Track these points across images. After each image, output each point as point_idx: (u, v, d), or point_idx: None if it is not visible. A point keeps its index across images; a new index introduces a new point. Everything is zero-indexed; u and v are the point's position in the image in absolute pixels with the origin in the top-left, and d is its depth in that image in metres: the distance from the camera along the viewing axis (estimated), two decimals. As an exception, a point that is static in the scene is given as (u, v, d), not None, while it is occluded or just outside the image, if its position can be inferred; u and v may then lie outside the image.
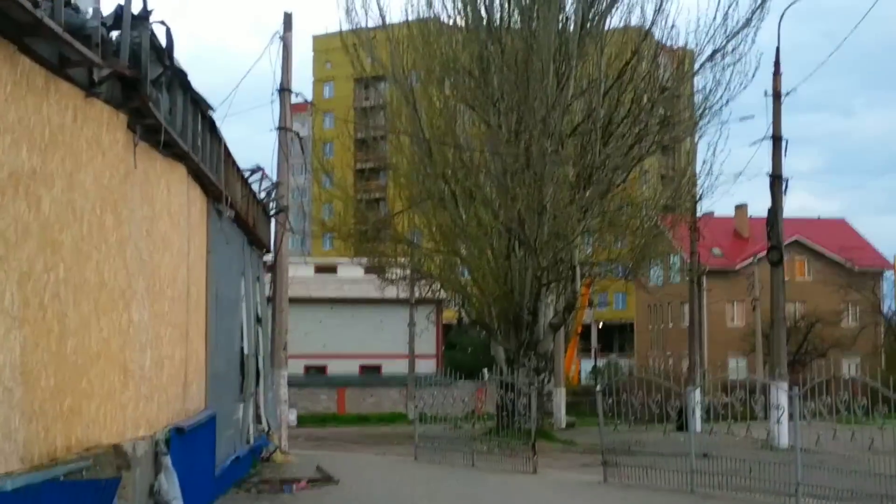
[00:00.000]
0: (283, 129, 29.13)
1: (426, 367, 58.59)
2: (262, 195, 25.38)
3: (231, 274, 21.35)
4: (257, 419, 26.21)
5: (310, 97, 66.38)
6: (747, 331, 69.49)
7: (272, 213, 27.30)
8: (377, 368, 64.07)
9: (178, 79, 13.93)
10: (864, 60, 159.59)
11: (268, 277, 29.80)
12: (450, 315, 68.32)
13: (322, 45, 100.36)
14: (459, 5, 38.77)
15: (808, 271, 75.70)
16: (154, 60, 12.29)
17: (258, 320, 26.30)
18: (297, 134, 29.72)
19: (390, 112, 44.64)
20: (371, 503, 18.81)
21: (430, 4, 38.96)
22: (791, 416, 21.70)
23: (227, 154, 18.91)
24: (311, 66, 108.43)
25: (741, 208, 77.47)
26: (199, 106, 15.63)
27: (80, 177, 10.98)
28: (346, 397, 59.65)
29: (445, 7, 39.00)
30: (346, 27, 41.46)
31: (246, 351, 23.02)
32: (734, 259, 74.24)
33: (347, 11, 40.22)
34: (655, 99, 37.74)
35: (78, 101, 10.91)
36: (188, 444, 15.23)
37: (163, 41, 12.66)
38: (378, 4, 46.67)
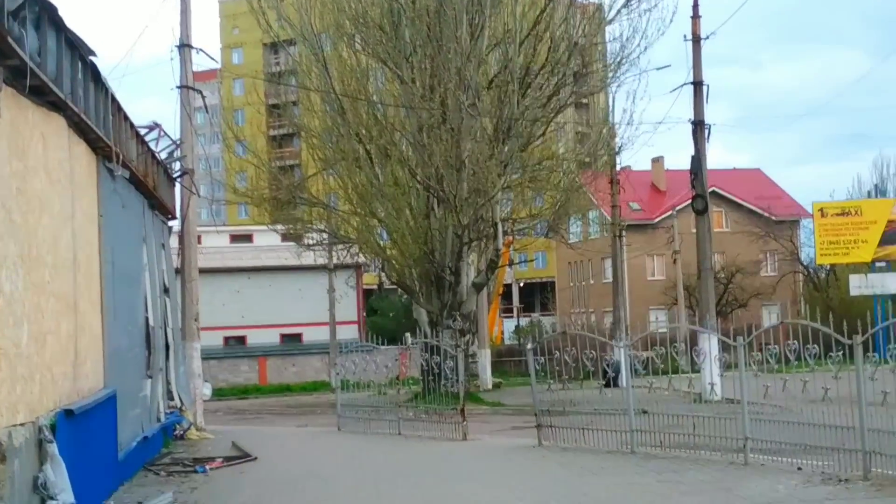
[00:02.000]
0: (185, 87, 27.30)
1: (348, 333, 57.62)
2: (164, 156, 23.48)
3: (130, 240, 19.54)
4: (168, 395, 24.50)
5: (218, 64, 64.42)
6: (668, 284, 68.86)
7: (175, 175, 25.45)
8: (298, 337, 62.41)
9: (48, 14, 12.11)
10: (771, 15, 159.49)
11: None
12: (370, 280, 67.12)
13: (229, 10, 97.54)
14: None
15: (726, 222, 74.86)
16: (11, -13, 10.49)
17: (165, 291, 24.50)
18: (201, 93, 27.73)
19: (301, 73, 42.66)
20: (290, 480, 17.12)
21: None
22: (722, 367, 20.85)
23: (118, 108, 17.07)
24: (218, 32, 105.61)
25: (658, 161, 76.73)
26: (79, 50, 13.80)
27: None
28: (267, 367, 58.21)
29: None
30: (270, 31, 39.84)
31: (151, 323, 21.24)
32: (653, 213, 73.57)
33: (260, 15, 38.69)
34: (572, 49, 36.30)
35: None
36: (83, 427, 13.51)
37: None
38: None
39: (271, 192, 45.63)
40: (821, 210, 58.42)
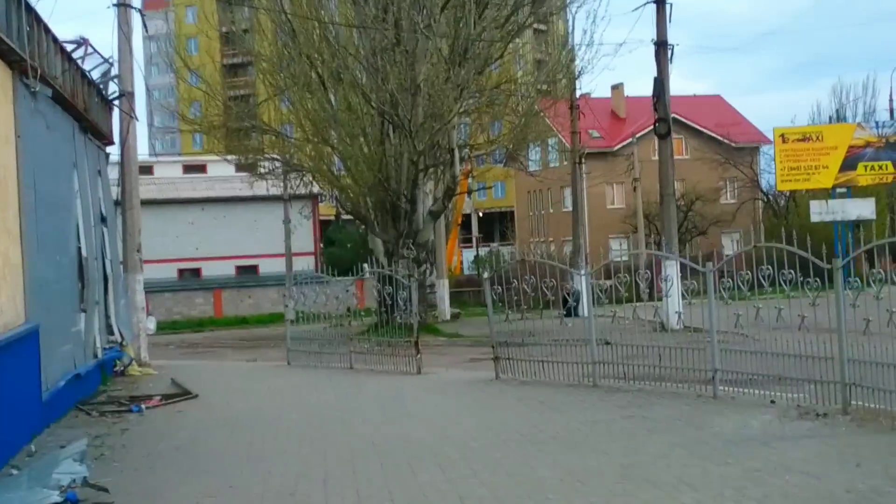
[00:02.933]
0: (121, 4, 25.67)
1: (304, 264, 56.13)
2: (97, 77, 21.91)
3: (58, 165, 18.10)
4: (108, 330, 23.15)
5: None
6: (628, 212, 68.15)
7: (111, 97, 23.88)
8: (254, 269, 61.27)
9: None
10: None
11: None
12: (327, 210, 65.86)
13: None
14: None
15: (686, 149, 73.43)
16: None
17: (102, 220, 23.06)
18: (141, 12, 26.11)
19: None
20: (230, 420, 15.87)
21: None
22: (684, 295, 19.70)
23: (36, 19, 15.55)
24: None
25: (618, 88, 75.43)
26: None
27: None
28: (222, 300, 57.06)
29: None
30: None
31: (85, 254, 19.83)
32: (612, 140, 72.44)
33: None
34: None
35: None
36: (-6, 366, 12.24)
37: None
38: None
39: (224, 121, 44.22)
40: (781, 135, 57.35)
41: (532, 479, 10.33)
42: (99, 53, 20.29)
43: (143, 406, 17.25)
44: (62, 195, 18.54)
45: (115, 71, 23.44)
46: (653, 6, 31.79)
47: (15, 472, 11.51)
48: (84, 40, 19.55)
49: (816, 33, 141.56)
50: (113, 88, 23.90)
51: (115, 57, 25.31)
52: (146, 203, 60.46)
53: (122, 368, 22.86)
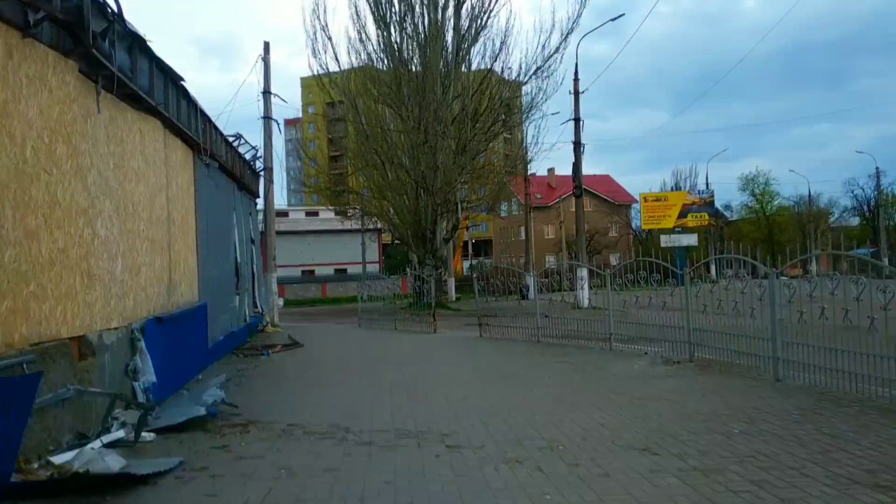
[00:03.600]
0: (266, 118, 24.71)
1: (373, 268, 55.59)
2: (249, 157, 20.90)
3: (222, 208, 17.05)
4: (254, 304, 22.10)
5: (295, 103, 61.59)
6: (555, 240, 66.82)
7: (259, 170, 22.88)
8: (344, 270, 59.92)
9: (138, 43, 9.62)
10: (610, 87, 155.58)
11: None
12: (386, 238, 64.82)
13: (306, 82, 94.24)
14: (382, 48, 34.09)
15: (589, 205, 71.90)
16: (97, 15, 8.02)
17: (252, 241, 22.02)
18: (277, 122, 25.18)
19: (346, 119, 39.62)
20: (320, 359, 14.86)
21: (364, 49, 34.35)
22: (590, 287, 18.99)
23: (207, 119, 14.54)
24: (299, 96, 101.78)
25: (551, 169, 74.03)
26: (169, 74, 11.31)
27: (20, 107, 6.81)
28: (326, 289, 55.56)
29: (375, 50, 34.34)
30: (314, 67, 37.15)
31: (239, 260, 18.80)
32: (548, 200, 71.15)
33: (314, 53, 36.13)
34: (502, 100, 33.76)
35: (14, 40, 6.72)
36: (173, 328, 11.16)
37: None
38: (333, 50, 43.10)
39: (328, 186, 43.36)
40: (644, 198, 56.47)
41: (502, 402, 9.24)
42: (248, 142, 19.30)
43: (269, 351, 16.22)
44: (225, 225, 17.52)
45: (259, 153, 22.44)
46: (572, 122, 30.70)
47: (185, 392, 10.46)
48: (240, 135, 18.58)
49: (663, 139, 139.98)
50: (259, 165, 22.91)
51: (260, 147, 24.45)
52: (284, 233, 60.03)
53: (262, 328, 21.79)
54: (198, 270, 13.89)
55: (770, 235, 69.47)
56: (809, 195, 73.32)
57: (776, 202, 75.64)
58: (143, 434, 7.54)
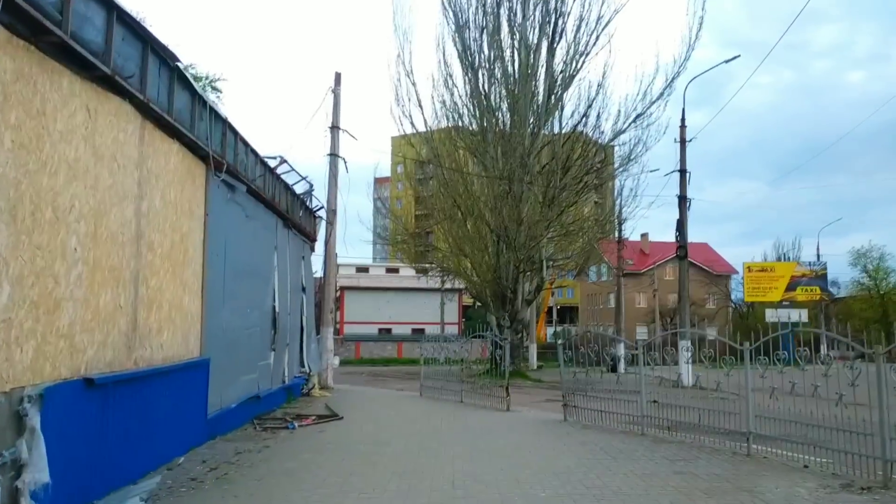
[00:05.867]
0: (333, 155, 21.80)
1: (453, 329, 52.17)
2: (300, 191, 17.66)
3: (255, 245, 13.84)
4: (301, 363, 18.69)
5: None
6: (648, 310, 61.62)
7: (316, 209, 19.75)
8: (422, 330, 56.38)
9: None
10: (707, 157, 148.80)
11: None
12: (467, 300, 61.46)
13: (395, 141, 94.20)
14: (468, 94, 30.84)
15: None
16: None
17: (303, 289, 18.76)
18: (345, 160, 22.12)
19: (434, 179, 36.48)
20: (356, 439, 11.12)
21: (450, 96, 31.11)
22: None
23: (229, 128, 11.36)
24: (390, 155, 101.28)
25: (644, 235, 69.08)
26: (152, 45, 8.14)
27: None
28: (402, 348, 52.17)
29: (461, 96, 31.01)
30: (395, 113, 34.63)
31: (278, 310, 15.43)
32: (640, 266, 66.02)
33: (397, 100, 33.23)
34: (597, 149, 29.94)
35: None
36: (133, 393, 7.76)
37: None
38: (417, 97, 40.93)
39: (411, 244, 40.83)
40: (748, 267, 51.07)
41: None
42: (295, 170, 15.99)
43: (296, 424, 12.63)
44: (260, 267, 14.26)
45: (320, 198, 19.30)
46: (677, 174, 26.64)
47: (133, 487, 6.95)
48: (283, 159, 15.30)
49: (761, 213, 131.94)
50: (317, 204, 19.80)
51: (327, 189, 21.46)
52: (363, 289, 57.36)
53: (307, 391, 18.33)
54: (202, 317, 10.55)
55: (885, 315, 62.07)
56: (932, 272, 65.50)
57: (892, 278, 67.99)
58: None
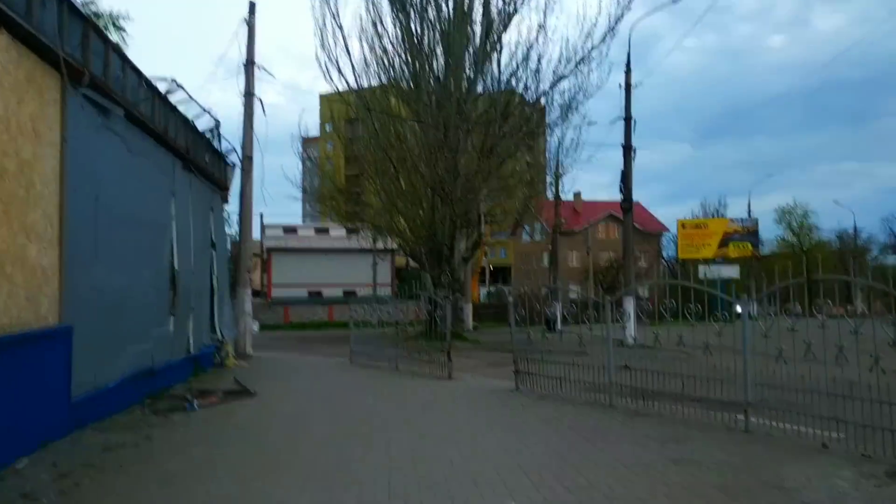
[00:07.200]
0: (248, 94, 19.06)
1: (385, 291, 49.94)
2: (203, 129, 14.94)
3: (144, 188, 11.23)
4: (212, 329, 16.19)
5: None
6: (581, 269, 60.82)
7: (225, 152, 17.05)
8: (354, 292, 53.98)
9: None
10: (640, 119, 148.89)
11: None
12: (400, 261, 59.28)
13: (323, 100, 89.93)
14: (399, 39, 28.16)
15: (615, 233, 65.94)
16: None
17: (212, 245, 16.18)
18: (261, 100, 19.52)
19: (364, 132, 33.42)
20: (267, 424, 8.86)
21: (379, 40, 28.31)
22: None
23: (93, 28, 8.73)
24: (318, 112, 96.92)
25: (577, 194, 68.04)
26: None
27: None
28: (333, 311, 49.73)
29: (392, 42, 28.33)
30: (321, 59, 31.91)
31: (178, 268, 12.86)
32: (573, 225, 65.00)
33: (322, 45, 30.96)
34: (538, 95, 27.74)
35: None
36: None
37: None
38: (344, 41, 38.18)
39: (342, 203, 37.76)
40: (682, 224, 50.39)
41: None
42: (186, 91, 13.00)
43: (198, 403, 10.26)
44: (152, 216, 11.67)
45: (236, 145, 16.63)
46: (622, 122, 24.90)
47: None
48: (176, 83, 12.47)
49: (686, 173, 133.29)
50: (227, 147, 17.13)
51: (242, 131, 18.77)
52: (291, 251, 54.38)
53: (219, 361, 15.87)
54: (60, 274, 8.02)
55: (807, 272, 63.00)
56: (855, 229, 66.90)
57: (814, 235, 69.03)
58: None
